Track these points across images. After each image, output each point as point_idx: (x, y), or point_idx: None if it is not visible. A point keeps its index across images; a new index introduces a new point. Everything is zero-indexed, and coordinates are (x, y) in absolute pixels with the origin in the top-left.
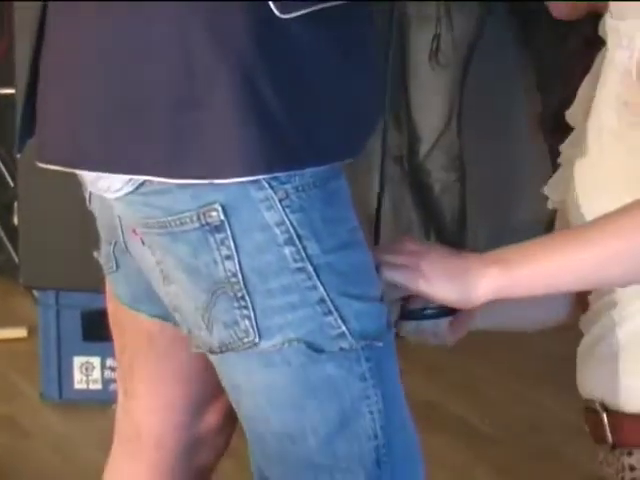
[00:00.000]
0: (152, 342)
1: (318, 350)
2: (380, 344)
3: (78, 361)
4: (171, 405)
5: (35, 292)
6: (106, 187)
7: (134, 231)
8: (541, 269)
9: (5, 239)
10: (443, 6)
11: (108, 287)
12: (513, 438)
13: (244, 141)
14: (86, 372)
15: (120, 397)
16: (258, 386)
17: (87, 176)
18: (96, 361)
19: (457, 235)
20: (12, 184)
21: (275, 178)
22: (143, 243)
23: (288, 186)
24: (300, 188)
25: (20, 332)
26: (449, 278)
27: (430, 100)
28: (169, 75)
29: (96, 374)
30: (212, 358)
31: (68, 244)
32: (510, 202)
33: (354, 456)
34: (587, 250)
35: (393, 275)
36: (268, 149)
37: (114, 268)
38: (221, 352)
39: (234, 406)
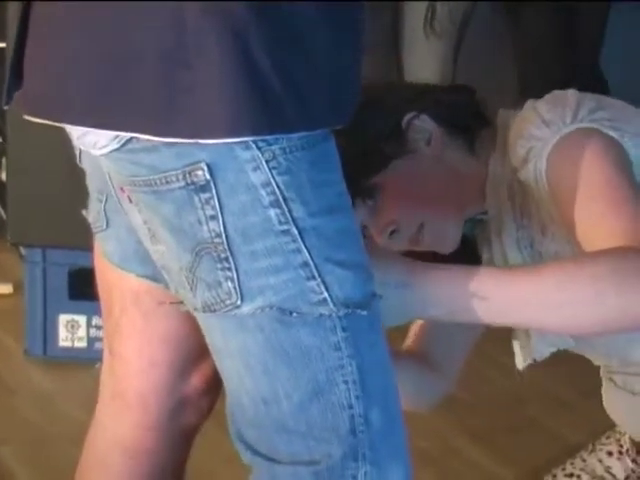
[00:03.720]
0: (139, 302)
1: (296, 313)
2: (364, 313)
3: (64, 319)
4: (156, 366)
5: (22, 249)
6: (92, 143)
7: (122, 189)
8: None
9: None
10: None
11: (96, 246)
12: (495, 409)
13: (231, 102)
14: (71, 330)
15: (105, 356)
16: (233, 350)
17: (74, 131)
18: (82, 319)
19: None
20: (0, 140)
21: (262, 139)
22: (130, 201)
23: (275, 147)
24: (288, 150)
25: (6, 288)
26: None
27: (423, 69)
28: (159, 28)
29: (81, 332)
30: (197, 317)
31: (56, 201)
32: None
33: (328, 424)
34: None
35: None
36: (256, 111)
37: (104, 226)
38: (204, 312)
39: (217, 367)
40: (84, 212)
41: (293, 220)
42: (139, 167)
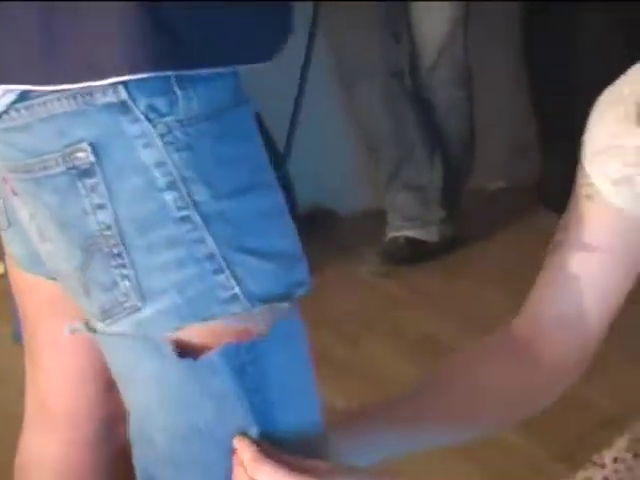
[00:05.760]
0: (54, 308)
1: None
2: (285, 305)
3: None
4: (80, 378)
5: None
6: None
7: (4, 179)
8: None
9: None
10: None
11: (4, 247)
12: None
13: (128, 34)
14: None
15: (27, 368)
16: (142, 377)
17: None
18: None
19: (464, 156)
20: None
21: (153, 109)
22: (14, 193)
23: (170, 119)
24: (187, 121)
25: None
26: None
27: (433, 9)
28: None
29: None
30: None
31: None
32: (525, 119)
33: None
34: None
35: None
36: (156, 43)
37: (6, 225)
38: (103, 320)
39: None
40: None
41: (194, 205)
42: (14, 150)
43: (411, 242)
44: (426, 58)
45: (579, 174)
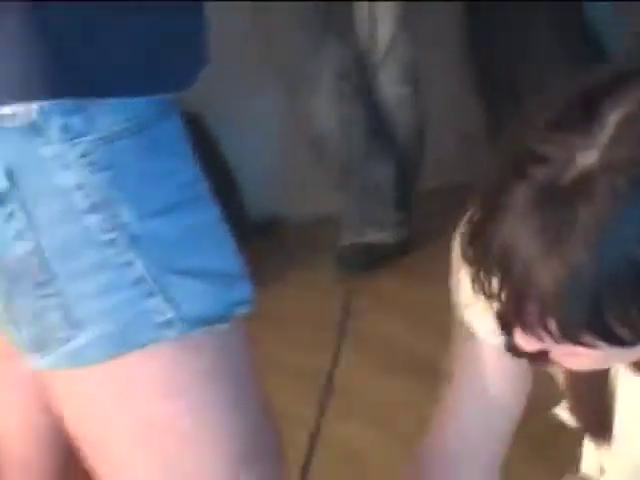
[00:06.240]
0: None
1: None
2: (225, 326)
3: None
4: (32, 420)
5: None
6: None
7: None
8: None
9: None
10: None
11: None
12: None
13: (23, 57)
14: None
15: None
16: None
17: None
18: None
19: (414, 156)
20: None
21: (69, 129)
22: None
23: (89, 138)
24: (107, 139)
25: None
26: None
27: (377, 7)
28: None
29: None
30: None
31: None
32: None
33: None
34: None
35: None
36: (57, 69)
37: None
38: (35, 352)
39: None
40: None
41: (120, 226)
42: None
43: (367, 246)
44: (372, 58)
45: (456, 314)
